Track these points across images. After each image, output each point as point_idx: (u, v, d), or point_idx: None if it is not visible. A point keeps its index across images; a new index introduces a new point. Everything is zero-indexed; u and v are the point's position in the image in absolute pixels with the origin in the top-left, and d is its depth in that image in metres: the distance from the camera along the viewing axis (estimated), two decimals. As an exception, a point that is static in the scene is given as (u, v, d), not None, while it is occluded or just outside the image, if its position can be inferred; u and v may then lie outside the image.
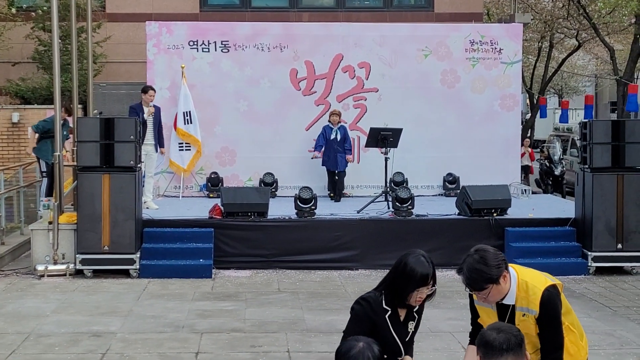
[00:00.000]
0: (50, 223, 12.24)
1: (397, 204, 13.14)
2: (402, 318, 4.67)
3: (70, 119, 14.36)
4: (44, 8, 19.58)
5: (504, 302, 4.53)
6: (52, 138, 13.39)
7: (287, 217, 13.04)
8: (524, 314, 4.52)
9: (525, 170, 24.47)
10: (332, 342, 8.11)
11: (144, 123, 13.96)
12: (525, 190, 16.40)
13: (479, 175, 15.64)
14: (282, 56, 16.26)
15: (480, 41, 16.50)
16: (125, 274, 12.04)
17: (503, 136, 16.54)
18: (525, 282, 4.53)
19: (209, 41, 16.17)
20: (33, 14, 20.63)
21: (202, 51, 16.16)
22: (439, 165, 16.38)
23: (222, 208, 12.93)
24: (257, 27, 16.56)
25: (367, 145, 14.98)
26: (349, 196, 16.03)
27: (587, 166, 12.52)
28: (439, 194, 16.46)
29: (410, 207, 13.11)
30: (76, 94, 13.87)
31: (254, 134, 16.23)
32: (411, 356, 4.76)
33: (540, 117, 33.04)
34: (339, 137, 15.25)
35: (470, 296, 4.74)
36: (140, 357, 8.24)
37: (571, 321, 4.69)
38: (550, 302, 4.49)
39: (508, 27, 17.10)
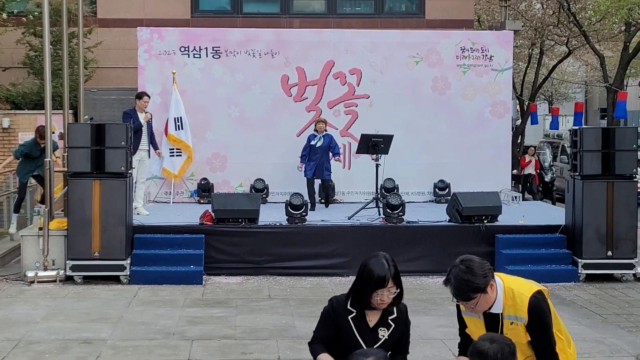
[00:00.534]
0: (40, 229, 12.21)
1: (388, 210, 13.16)
2: (372, 323, 4.67)
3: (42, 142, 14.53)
4: (35, 13, 19.54)
5: (491, 311, 4.55)
6: (30, 159, 14.20)
7: (278, 224, 13.04)
8: (512, 322, 4.53)
9: (529, 178, 24.23)
10: (322, 349, 8.12)
11: (139, 129, 13.94)
12: (515, 197, 16.44)
13: (469, 181, 15.70)
14: (274, 62, 16.28)
15: (471, 48, 16.55)
16: (116, 280, 12.01)
17: (494, 143, 16.58)
18: (511, 290, 4.55)
19: (200, 47, 16.18)
20: (24, 19, 20.57)
21: (194, 57, 16.16)
22: (429, 171, 16.41)
23: (212, 214, 12.91)
24: (249, 33, 16.58)
25: (358, 151, 14.99)
26: (340, 202, 16.05)
27: (577, 174, 12.55)
28: (429, 200, 16.49)
29: (401, 213, 13.13)
30: (67, 99, 13.86)
31: (245, 139, 16.23)
32: None
33: (531, 123, 33.09)
34: (322, 144, 15.02)
35: (458, 307, 4.76)
36: (131, 364, 8.22)
37: (558, 328, 4.70)
38: (538, 308, 4.51)
39: (499, 34, 17.16)
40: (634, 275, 12.50)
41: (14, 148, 15.55)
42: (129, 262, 12.06)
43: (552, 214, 14.87)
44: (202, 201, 15.63)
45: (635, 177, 12.93)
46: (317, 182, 15.33)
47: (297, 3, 23.01)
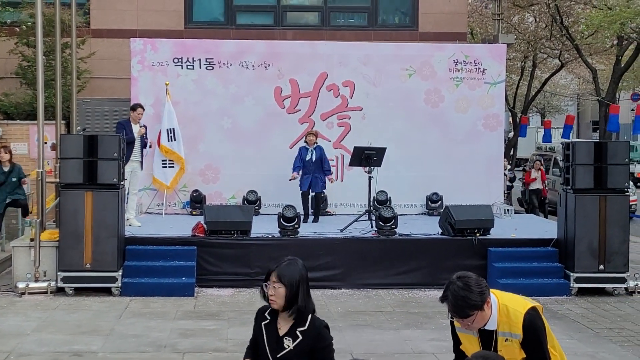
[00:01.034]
0: (32, 240, 12.17)
1: (380, 223, 13.15)
2: (281, 332, 4.64)
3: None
4: (29, 23, 19.54)
5: (486, 327, 4.54)
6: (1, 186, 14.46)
7: (270, 236, 13.01)
8: (507, 339, 4.52)
9: (537, 193, 23.48)
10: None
11: (132, 141, 13.92)
12: (507, 210, 16.46)
13: (461, 194, 15.70)
14: (267, 74, 16.28)
15: (464, 61, 16.58)
16: (107, 292, 11.96)
17: (486, 156, 16.60)
18: (505, 306, 4.54)
19: (193, 58, 16.18)
20: (17, 29, 20.57)
21: (187, 68, 16.16)
22: (422, 184, 16.41)
23: (205, 226, 12.89)
24: (242, 45, 16.59)
25: (351, 164, 14.99)
26: (333, 214, 16.03)
27: (569, 187, 12.57)
28: (422, 213, 16.49)
29: (393, 226, 13.12)
30: (59, 109, 13.83)
31: (238, 151, 16.22)
32: None
33: (520, 136, 33.24)
34: (314, 158, 15.08)
35: (452, 323, 4.75)
36: (122, 377, 8.18)
37: (552, 344, 4.70)
38: (533, 324, 4.51)
39: (492, 47, 17.21)
40: (626, 289, 12.51)
41: None
42: (120, 273, 12.01)
43: (544, 227, 14.88)
44: (194, 213, 15.59)
45: (628, 192, 12.97)
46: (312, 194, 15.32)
47: (291, 15, 23.07)
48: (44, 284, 11.96)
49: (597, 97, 29.92)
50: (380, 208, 13.84)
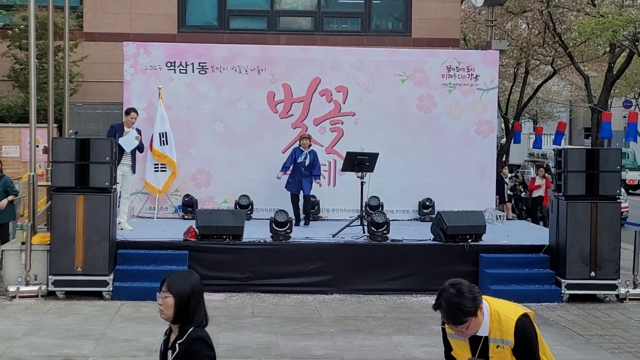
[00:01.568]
0: (22, 243, 12.13)
1: (372, 228, 13.14)
2: (170, 344, 4.53)
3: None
4: (21, 26, 19.49)
5: (477, 334, 4.53)
6: None
7: (262, 241, 13.00)
8: (499, 345, 4.52)
9: (539, 201, 23.16)
10: (305, 368, 8.07)
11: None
12: (499, 216, 16.48)
13: (453, 200, 15.72)
14: (260, 79, 16.27)
15: (457, 67, 16.61)
16: (98, 296, 11.93)
17: (478, 162, 16.61)
18: (497, 313, 4.54)
19: (186, 62, 16.16)
20: (10, 32, 20.51)
21: (180, 72, 16.14)
22: (414, 190, 16.42)
23: (196, 230, 12.87)
24: (235, 50, 16.59)
25: (344, 169, 14.99)
26: (325, 219, 16.03)
27: (561, 194, 12.60)
28: (414, 219, 16.49)
29: (385, 231, 13.12)
30: (52, 113, 13.80)
31: (230, 155, 16.21)
32: None
33: (514, 142, 33.32)
34: (307, 162, 15.12)
35: (443, 329, 4.75)
36: (112, 382, 8.15)
37: (544, 351, 4.69)
38: (525, 331, 4.51)
39: (484, 53, 17.24)
40: (617, 296, 12.54)
41: None
42: (111, 277, 11.99)
43: (536, 234, 14.90)
44: (186, 217, 15.57)
45: (619, 199, 13.00)
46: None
47: (284, 19, 23.05)
48: (35, 288, 11.93)
49: (589, 104, 30.01)
50: (372, 213, 13.85)
